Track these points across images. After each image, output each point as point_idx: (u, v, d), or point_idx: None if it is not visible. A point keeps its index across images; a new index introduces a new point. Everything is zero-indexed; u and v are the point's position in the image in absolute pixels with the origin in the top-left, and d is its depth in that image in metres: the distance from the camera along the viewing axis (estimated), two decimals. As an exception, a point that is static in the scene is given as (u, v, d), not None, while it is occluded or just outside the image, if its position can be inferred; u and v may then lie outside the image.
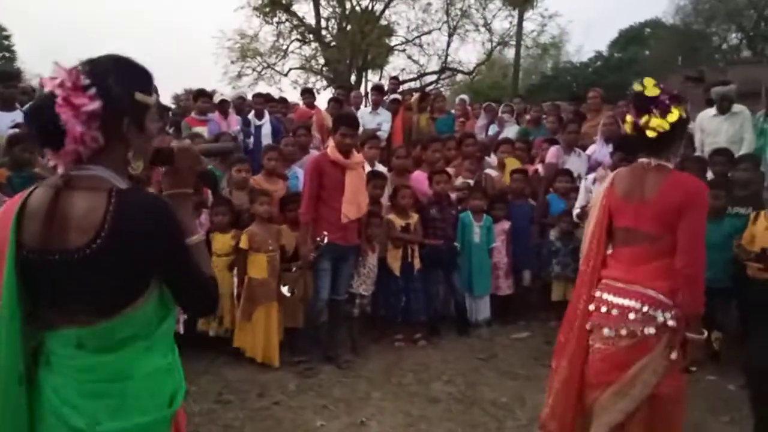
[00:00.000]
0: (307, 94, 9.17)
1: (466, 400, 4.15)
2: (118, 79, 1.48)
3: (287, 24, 19.85)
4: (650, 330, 2.45)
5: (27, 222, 1.46)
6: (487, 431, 3.77)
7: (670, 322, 2.45)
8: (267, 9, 19.08)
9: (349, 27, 19.43)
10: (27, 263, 1.45)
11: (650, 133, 2.48)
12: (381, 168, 5.75)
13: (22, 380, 1.47)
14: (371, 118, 8.25)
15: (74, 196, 1.46)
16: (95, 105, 1.42)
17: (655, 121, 2.47)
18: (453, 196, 5.70)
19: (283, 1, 19.01)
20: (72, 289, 1.46)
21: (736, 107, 6.09)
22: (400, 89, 11.47)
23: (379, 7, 19.86)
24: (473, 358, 4.92)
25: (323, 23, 20.08)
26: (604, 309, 2.57)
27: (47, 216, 1.45)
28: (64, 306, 1.48)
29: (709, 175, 5.05)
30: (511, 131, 7.70)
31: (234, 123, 7.16)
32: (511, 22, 21.16)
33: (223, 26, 27.72)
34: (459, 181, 5.97)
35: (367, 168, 5.42)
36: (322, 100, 11.31)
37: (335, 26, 20.40)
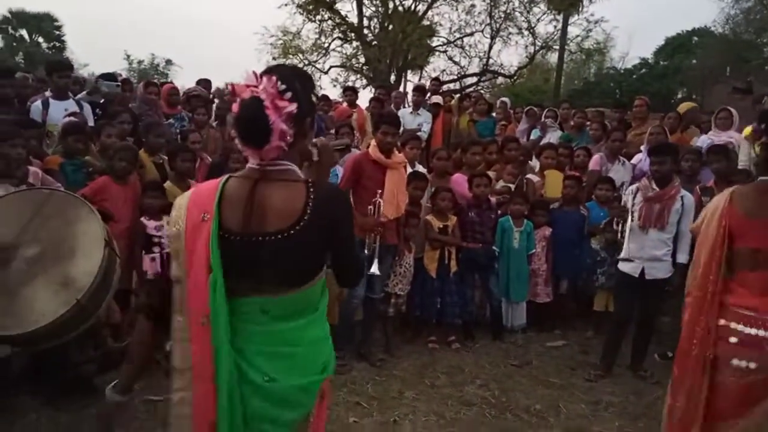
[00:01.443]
0: (350, 91, 9.20)
1: (499, 405, 4.13)
2: (301, 85, 1.75)
3: (329, 22, 19.96)
4: None
5: (226, 207, 1.74)
6: (520, 438, 3.75)
7: None
8: (311, 7, 19.23)
9: (390, 26, 19.44)
10: (225, 243, 1.71)
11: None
12: (421, 169, 5.75)
13: (229, 335, 1.71)
14: (412, 119, 8.23)
15: (272, 187, 1.74)
16: (293, 107, 1.69)
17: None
18: (493, 200, 5.66)
19: (327, 0, 19.14)
20: (267, 265, 1.72)
21: None
22: (441, 90, 11.45)
23: (422, 7, 19.83)
24: (507, 364, 4.89)
25: (365, 22, 20.14)
26: (734, 339, 2.45)
27: (247, 203, 1.72)
28: (254, 278, 1.74)
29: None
30: (553, 137, 7.59)
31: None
32: (555, 26, 20.90)
33: (267, 23, 28.05)
34: (500, 185, 5.93)
35: (408, 168, 5.42)
36: (362, 99, 11.36)
37: (377, 25, 20.42)
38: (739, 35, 24.93)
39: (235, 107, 1.74)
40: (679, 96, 25.22)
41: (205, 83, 8.71)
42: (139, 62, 33.37)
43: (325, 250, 1.81)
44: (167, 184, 5.01)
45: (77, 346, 4.07)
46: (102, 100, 6.15)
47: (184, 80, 32.54)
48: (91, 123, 5.55)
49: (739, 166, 5.48)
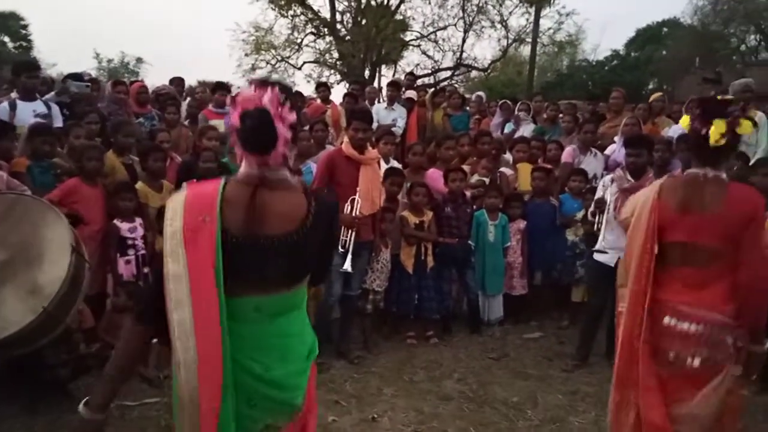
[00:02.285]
0: (323, 88, 9.15)
1: (477, 399, 4.15)
2: (291, 96, 1.87)
3: (302, 17, 19.81)
4: (721, 355, 2.41)
5: (228, 209, 1.80)
6: (498, 430, 3.77)
7: (739, 343, 2.41)
8: (282, 2, 19.09)
9: (364, 21, 19.37)
10: (228, 245, 1.78)
11: (718, 142, 2.41)
12: (396, 164, 5.74)
13: (226, 331, 1.79)
14: (386, 114, 8.22)
15: (274, 193, 1.84)
16: (293, 117, 1.81)
17: (719, 130, 2.40)
18: (468, 194, 5.68)
19: (299, -5, 19.04)
20: (270, 266, 1.83)
21: (752, 112, 6.04)
22: (415, 85, 11.44)
23: (394, 1, 19.79)
24: (485, 357, 4.92)
25: (338, 17, 20.06)
26: (669, 333, 2.48)
27: (249, 207, 1.80)
28: (255, 279, 1.84)
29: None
30: (527, 130, 7.64)
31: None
32: (527, 19, 21.02)
33: (239, 19, 27.78)
34: (474, 178, 5.95)
35: (382, 164, 5.41)
36: (336, 94, 11.30)
37: (350, 20, 20.34)
38: (707, 26, 25.37)
39: (234, 117, 1.81)
40: (651, 87, 25.59)
41: (178, 81, 8.60)
42: (109, 61, 32.77)
43: (320, 252, 1.96)
44: (139, 185, 4.94)
45: (50, 352, 4.00)
46: (70, 101, 6.03)
47: (155, 78, 32.01)
48: (59, 124, 5.44)
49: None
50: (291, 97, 1.86)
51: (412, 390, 4.28)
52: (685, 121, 2.62)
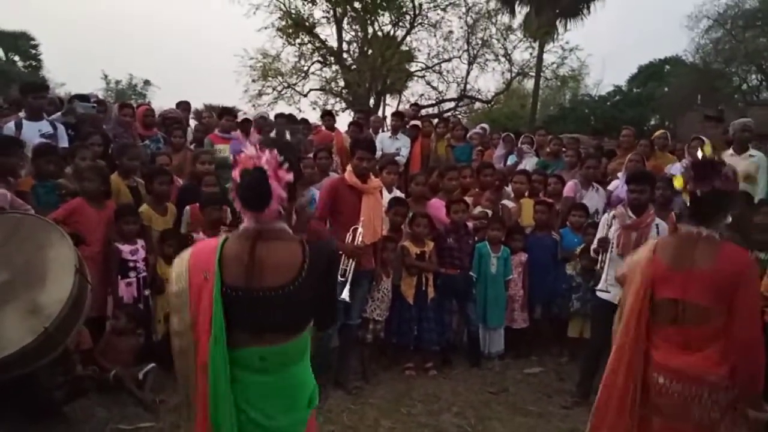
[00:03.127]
0: (328, 116, 9.24)
1: (476, 435, 4.09)
2: (292, 155, 2.01)
3: (309, 46, 20.03)
4: (716, 415, 2.40)
5: (227, 264, 1.93)
6: (497, 468, 3.71)
7: (732, 405, 2.41)
8: (290, 30, 19.32)
9: (370, 51, 19.60)
10: (227, 298, 1.90)
11: (721, 203, 2.48)
12: (398, 194, 5.76)
13: (229, 382, 1.92)
14: (390, 143, 8.28)
15: (270, 246, 1.95)
16: (290, 176, 1.93)
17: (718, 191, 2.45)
18: (470, 225, 5.68)
19: (307, 24, 19.25)
20: (270, 317, 1.93)
21: (752, 150, 6.08)
22: (420, 115, 11.53)
23: (400, 33, 20.04)
24: (484, 391, 4.86)
25: (345, 46, 20.28)
26: (665, 394, 2.48)
27: (249, 260, 1.92)
28: (257, 330, 1.94)
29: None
30: (530, 163, 7.68)
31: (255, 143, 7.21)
32: (531, 54, 21.26)
33: (247, 45, 28.05)
34: (476, 210, 5.96)
35: (386, 193, 5.43)
36: (341, 122, 11.40)
37: (356, 50, 20.57)
38: (709, 65, 25.57)
39: (236, 174, 1.95)
40: (653, 123, 25.73)
41: (184, 105, 8.68)
42: (117, 82, 33.05)
43: (318, 299, 2.03)
44: (143, 207, 4.96)
45: (46, 373, 3.96)
46: (76, 122, 6.08)
47: (162, 101, 32.24)
48: (64, 144, 5.48)
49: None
50: (292, 157, 2.00)
51: (409, 423, 4.22)
52: (678, 181, 2.64)
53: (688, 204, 2.57)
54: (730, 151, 6.19)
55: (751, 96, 26.69)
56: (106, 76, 32.04)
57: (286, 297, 1.92)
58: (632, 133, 7.30)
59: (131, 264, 4.60)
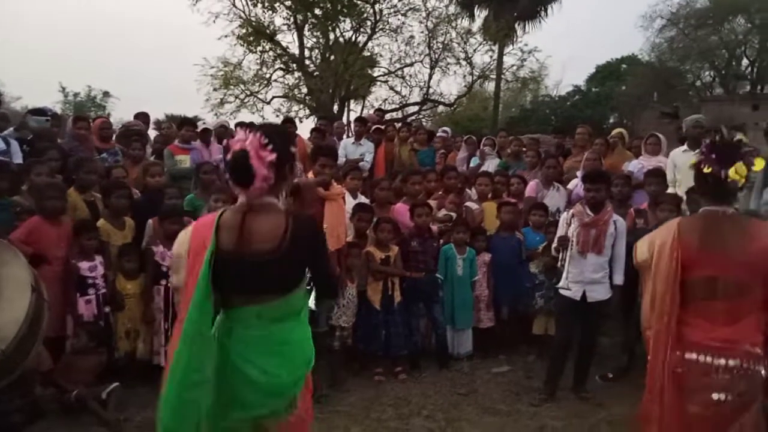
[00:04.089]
0: (289, 123, 9.19)
1: (446, 437, 4.11)
2: (281, 139, 2.23)
3: (271, 53, 19.91)
4: (755, 388, 2.46)
5: (222, 233, 2.20)
6: (467, 469, 3.73)
7: (765, 375, 2.46)
8: (251, 38, 19.18)
9: (332, 57, 19.58)
10: (222, 262, 2.17)
11: (739, 182, 2.52)
12: (363, 200, 5.76)
13: (213, 337, 2.18)
14: (354, 149, 8.28)
15: (259, 217, 2.21)
16: (273, 156, 2.15)
17: (743, 170, 2.50)
18: (434, 228, 5.71)
19: (267, 31, 19.13)
20: (259, 278, 2.19)
21: None
22: (384, 120, 11.55)
23: (362, 38, 20.07)
24: (454, 393, 4.88)
25: (307, 53, 20.21)
26: (705, 372, 2.48)
27: (239, 230, 2.18)
28: (251, 289, 2.21)
29: (684, 209, 5.13)
30: (492, 164, 7.76)
31: (216, 152, 7.13)
32: (491, 56, 21.51)
33: (207, 53, 27.70)
34: (441, 213, 5.99)
35: (350, 199, 5.42)
36: (305, 128, 11.34)
37: (318, 56, 20.53)
38: (664, 63, 26.27)
39: (229, 155, 2.23)
40: (611, 121, 26.28)
41: (143, 116, 8.53)
42: (75, 95, 32.31)
43: (302, 266, 2.31)
44: (101, 222, 4.86)
45: (4, 396, 3.85)
46: (30, 137, 5.93)
47: (122, 113, 31.61)
48: (18, 160, 5.34)
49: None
50: (278, 140, 2.20)
51: (379, 429, 4.22)
52: (692, 161, 2.69)
53: (708, 185, 2.61)
54: (684, 146, 6.35)
55: (704, 92, 27.49)
56: (63, 89, 31.30)
57: (273, 261, 2.17)
58: (587, 131, 7.42)
59: (90, 281, 4.50)
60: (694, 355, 2.51)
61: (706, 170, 2.56)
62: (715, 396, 2.45)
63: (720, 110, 18.71)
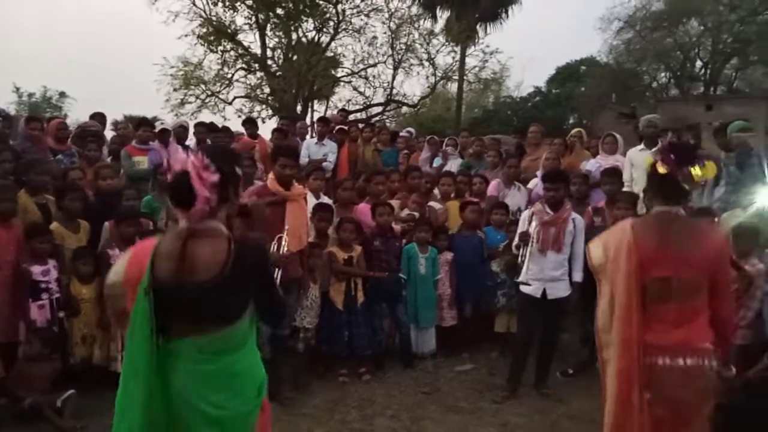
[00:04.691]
0: (249, 124, 9.09)
1: (410, 436, 4.11)
2: (225, 159, 2.16)
3: (232, 53, 19.67)
4: (711, 383, 2.52)
5: (160, 262, 2.07)
6: (431, 467, 3.74)
7: (717, 369, 2.54)
8: (212, 38, 18.90)
9: (295, 57, 19.44)
10: (160, 292, 2.03)
11: (695, 183, 2.58)
12: (326, 200, 5.73)
13: (156, 377, 2.03)
14: (317, 149, 8.23)
15: (200, 243, 2.09)
16: (215, 177, 2.06)
17: (698, 173, 2.54)
18: (397, 228, 5.72)
19: (229, 31, 18.89)
20: (199, 309, 2.06)
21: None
22: (348, 120, 11.53)
23: (325, 39, 19.97)
24: (417, 392, 4.89)
25: (269, 53, 20.03)
26: (666, 373, 2.50)
27: (179, 257, 2.05)
28: (190, 321, 2.08)
29: (640, 207, 5.25)
30: (454, 164, 7.81)
31: (175, 152, 6.99)
32: (453, 58, 21.65)
33: (167, 54, 27.20)
34: (404, 213, 6.00)
35: (312, 199, 5.39)
36: (268, 129, 11.23)
37: (281, 56, 20.36)
38: (621, 65, 26.83)
39: (170, 177, 2.11)
40: (571, 121, 26.75)
41: (99, 117, 8.32)
42: (30, 95, 31.36)
43: (247, 293, 2.16)
44: (54, 225, 4.72)
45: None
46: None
47: (79, 114, 30.73)
48: (-32, 162, 5.14)
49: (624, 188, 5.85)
50: (223, 161, 2.13)
51: (344, 430, 4.21)
52: (649, 160, 2.71)
53: (662, 186, 2.63)
54: (641, 146, 6.49)
55: (661, 93, 28.17)
56: (17, 89, 30.35)
57: (214, 289, 2.05)
58: (539, 130, 7.57)
59: (43, 285, 4.36)
60: (654, 359, 2.52)
61: (661, 170, 2.57)
62: (678, 395, 2.49)
63: (675, 110, 19.21)
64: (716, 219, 4.63)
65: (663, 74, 29.22)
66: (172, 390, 2.07)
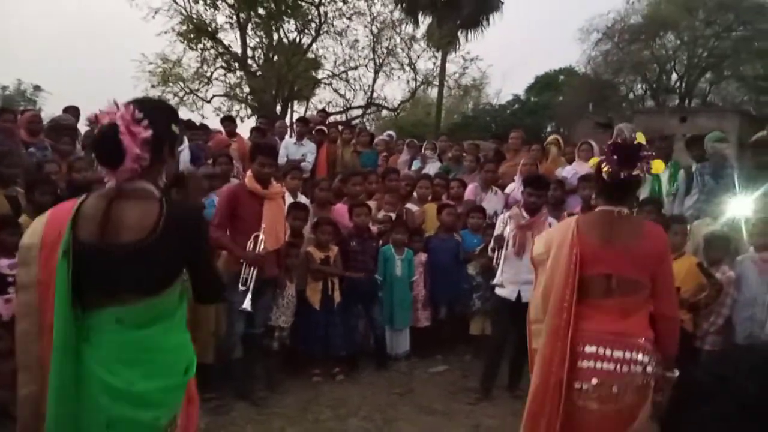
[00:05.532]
0: (228, 121, 9.02)
1: (382, 437, 4.10)
2: (160, 114, 1.95)
3: (212, 51, 19.51)
4: (649, 379, 2.51)
5: (82, 223, 1.87)
6: (402, 468, 3.73)
7: (654, 369, 2.53)
8: (192, 35, 18.74)
9: (275, 58, 19.35)
10: (81, 255, 1.84)
11: (635, 184, 2.62)
12: (304, 200, 5.70)
13: (74, 351, 1.84)
14: (296, 149, 8.21)
15: (127, 204, 1.88)
16: (147, 133, 1.85)
17: (643, 172, 2.57)
18: (374, 229, 5.71)
19: (209, 29, 18.75)
20: (123, 275, 1.85)
21: None
22: (327, 122, 11.50)
23: (306, 40, 19.94)
24: (391, 393, 4.89)
25: (249, 52, 19.92)
26: (604, 365, 2.49)
27: (103, 218, 1.85)
28: (111, 289, 1.87)
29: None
30: (433, 168, 7.85)
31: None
32: (434, 63, 21.77)
33: (145, 50, 26.88)
34: (381, 214, 6.00)
35: (289, 199, 5.36)
36: (246, 128, 11.14)
37: (262, 56, 20.27)
38: (599, 75, 27.22)
39: (96, 131, 1.92)
40: (548, 130, 27.03)
41: (73, 110, 8.18)
42: (3, 88, 30.80)
43: (178, 262, 1.97)
44: (23, 218, 4.61)
45: None
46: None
47: (54, 108, 30.21)
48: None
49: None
50: (158, 115, 1.92)
51: (317, 430, 4.19)
52: (593, 161, 2.74)
53: (606, 185, 2.65)
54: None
55: (637, 104, 28.64)
56: (-9, 82, 29.76)
57: (139, 254, 1.85)
58: (520, 136, 7.64)
59: (10, 279, 4.25)
60: (593, 348, 2.52)
61: (605, 170, 2.61)
62: (614, 389, 2.47)
63: (650, 121, 19.54)
64: (688, 227, 4.71)
65: (639, 86, 29.73)
66: (82, 362, 1.86)
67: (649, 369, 2.51)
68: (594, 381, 2.48)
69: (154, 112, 1.92)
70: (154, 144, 1.88)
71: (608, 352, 2.50)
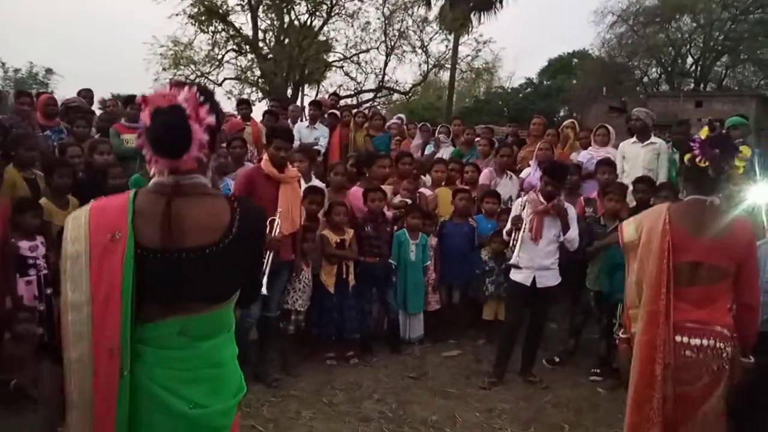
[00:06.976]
0: (244, 105, 9.02)
1: (397, 419, 4.14)
2: (213, 98, 1.70)
3: (223, 34, 19.51)
4: (725, 365, 2.60)
5: (139, 224, 1.62)
6: (417, 450, 3.77)
7: (731, 354, 2.62)
8: (203, 17, 18.71)
9: (287, 40, 19.31)
10: (142, 262, 1.59)
11: (739, 170, 2.67)
12: (319, 184, 5.70)
13: (129, 367, 1.59)
14: (308, 133, 8.20)
15: (191, 202, 1.66)
16: (212, 119, 1.64)
17: (739, 163, 2.65)
18: (388, 213, 5.71)
19: (220, 11, 18.71)
20: (191, 282, 1.63)
21: (654, 138, 6.43)
22: (339, 105, 11.46)
23: (317, 22, 19.88)
24: (405, 377, 4.92)
25: (261, 35, 19.88)
26: (686, 352, 2.62)
27: (164, 218, 1.61)
28: (176, 297, 1.64)
29: (629, 199, 5.29)
30: (446, 152, 7.82)
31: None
32: (446, 46, 21.66)
33: (156, 32, 26.84)
34: (397, 199, 5.99)
35: (303, 182, 5.37)
36: (258, 111, 11.14)
37: (273, 39, 20.22)
38: (613, 59, 26.96)
39: (145, 115, 1.62)
40: (562, 114, 26.85)
41: (86, 93, 8.21)
42: (16, 71, 30.88)
43: (245, 267, 1.78)
44: (43, 201, 4.66)
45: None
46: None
47: (66, 91, 30.33)
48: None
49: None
50: (213, 100, 1.69)
51: (331, 413, 4.22)
52: (687, 156, 2.81)
53: (699, 176, 2.70)
54: (633, 138, 6.52)
55: (651, 88, 28.37)
56: (3, 64, 29.85)
57: (210, 259, 1.64)
58: (542, 122, 7.53)
59: (31, 261, 4.31)
60: (678, 337, 2.63)
61: (701, 164, 2.65)
62: (696, 374, 2.60)
63: (665, 106, 19.34)
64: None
65: (654, 69, 29.47)
66: (134, 382, 1.63)
67: (725, 355, 2.61)
68: (683, 372, 2.61)
69: (211, 96, 1.70)
70: (212, 132, 1.67)
71: (687, 339, 2.62)
